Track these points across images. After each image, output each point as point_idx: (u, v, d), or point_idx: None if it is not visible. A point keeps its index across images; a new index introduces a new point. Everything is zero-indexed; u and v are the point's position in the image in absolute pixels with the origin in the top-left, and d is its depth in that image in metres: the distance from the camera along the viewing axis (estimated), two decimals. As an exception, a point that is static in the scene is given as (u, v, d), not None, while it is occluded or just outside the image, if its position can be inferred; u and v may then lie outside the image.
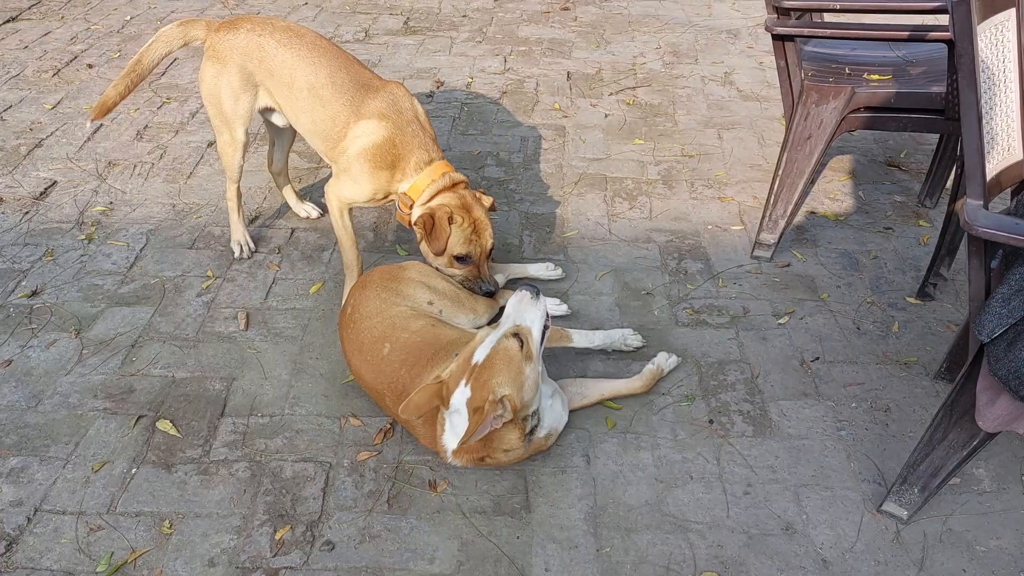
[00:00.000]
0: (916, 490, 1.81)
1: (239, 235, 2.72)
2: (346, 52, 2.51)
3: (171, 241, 2.80)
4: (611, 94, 3.89)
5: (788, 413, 2.15)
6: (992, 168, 1.67)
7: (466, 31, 4.56)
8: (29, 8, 4.70)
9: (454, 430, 1.86)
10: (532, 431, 1.91)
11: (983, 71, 1.53)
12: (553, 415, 1.97)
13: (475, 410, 1.77)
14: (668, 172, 3.26)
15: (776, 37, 2.35)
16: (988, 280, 1.54)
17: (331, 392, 2.20)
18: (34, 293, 2.53)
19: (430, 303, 2.23)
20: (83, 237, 2.81)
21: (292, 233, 2.87)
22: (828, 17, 2.93)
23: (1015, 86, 1.71)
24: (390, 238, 2.86)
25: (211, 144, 3.39)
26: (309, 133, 2.44)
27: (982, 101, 1.55)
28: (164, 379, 2.23)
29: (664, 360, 2.24)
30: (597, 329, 2.38)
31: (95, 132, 3.46)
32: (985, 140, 1.54)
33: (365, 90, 2.36)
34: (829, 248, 2.80)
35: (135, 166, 3.24)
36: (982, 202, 1.45)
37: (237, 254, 2.70)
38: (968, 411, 1.67)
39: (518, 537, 1.82)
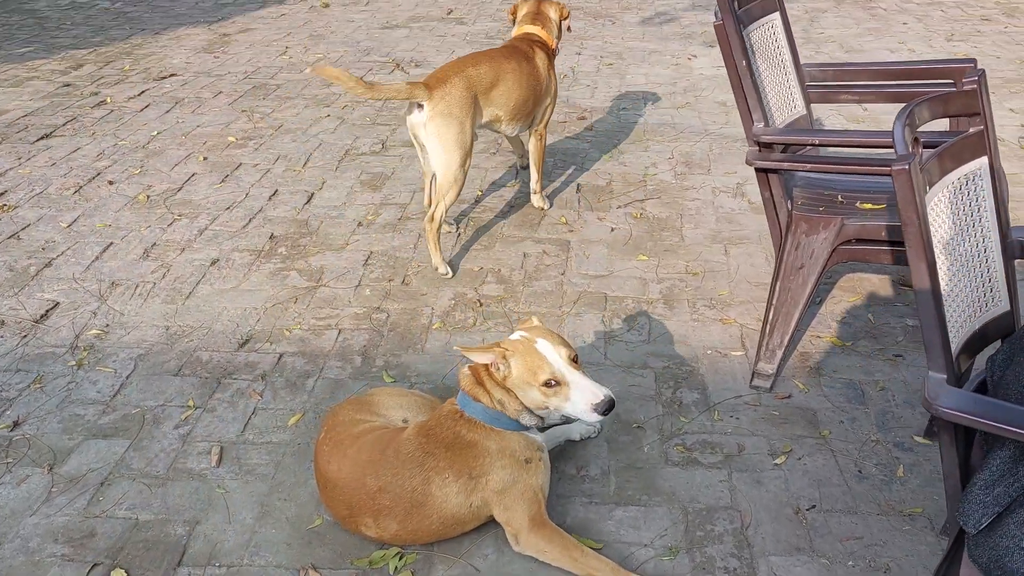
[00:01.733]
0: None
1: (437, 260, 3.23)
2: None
3: (158, 367, 2.79)
4: (619, 207, 3.86)
5: (778, 571, 1.98)
6: (975, 322, 1.56)
7: (481, 143, 4.60)
8: (64, 124, 4.91)
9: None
10: (533, 421, 2.04)
11: (949, 224, 1.43)
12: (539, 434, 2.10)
13: (496, 344, 2.02)
14: (670, 291, 3.17)
15: (759, 169, 2.28)
16: (960, 460, 1.40)
17: (294, 540, 2.11)
18: (15, 424, 2.53)
19: (404, 420, 2.19)
20: (74, 363, 2.81)
21: (280, 358, 2.84)
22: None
23: (993, 234, 1.61)
24: (379, 363, 2.81)
25: (214, 262, 3.43)
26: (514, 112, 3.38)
27: (952, 258, 1.45)
28: (127, 522, 2.17)
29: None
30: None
31: (104, 251, 3.53)
32: (954, 300, 1.43)
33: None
34: (834, 377, 2.66)
35: (137, 286, 3.28)
36: (945, 376, 1.33)
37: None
38: (958, 595, 1.50)
39: None
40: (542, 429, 2.12)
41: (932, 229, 1.36)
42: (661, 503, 2.21)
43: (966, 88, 1.55)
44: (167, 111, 5.13)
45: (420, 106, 3.12)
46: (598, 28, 6.86)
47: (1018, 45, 5.91)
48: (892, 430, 2.43)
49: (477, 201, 3.94)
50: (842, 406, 2.53)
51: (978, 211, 1.54)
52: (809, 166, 2.21)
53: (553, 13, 3.69)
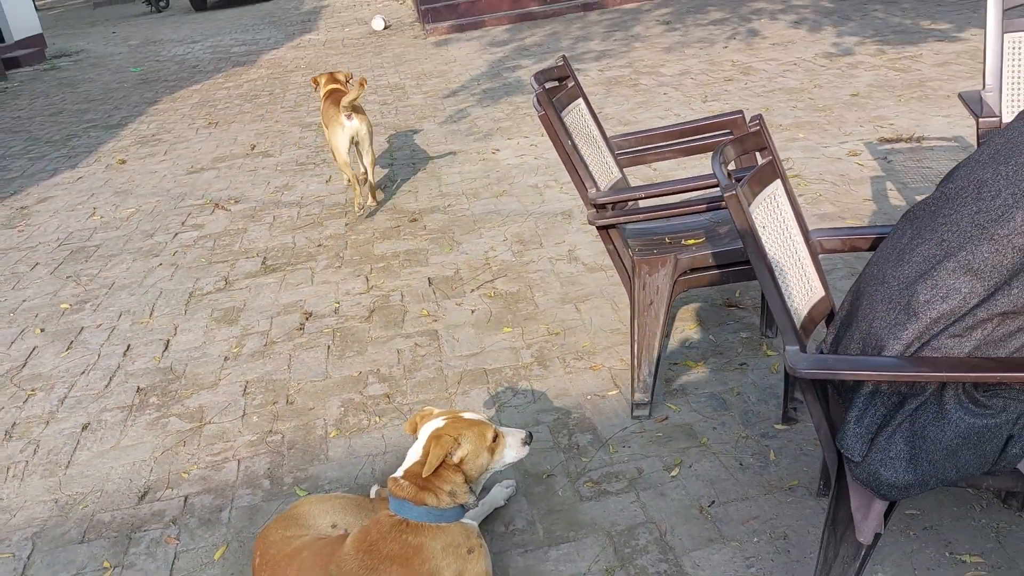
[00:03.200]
0: (829, 610, 1.93)
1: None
2: None
3: (59, 539, 2.70)
4: (472, 290, 4.15)
5: (700, 563, 2.26)
6: (803, 308, 1.95)
7: (324, 259, 4.78)
8: None
9: (408, 460, 2.17)
10: (472, 499, 2.20)
11: (769, 234, 1.82)
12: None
13: (436, 436, 2.11)
14: (540, 353, 3.48)
15: (600, 228, 2.66)
16: (825, 410, 1.76)
17: (257, 661, 2.14)
18: (-86, 635, 2.36)
19: (334, 526, 2.28)
20: (-39, 559, 2.66)
21: (185, 501, 2.83)
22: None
23: (798, 238, 2.03)
24: (287, 480, 2.87)
25: (85, 427, 3.35)
26: None
27: (778, 259, 1.84)
28: None
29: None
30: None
31: (-41, 442, 3.34)
32: (787, 290, 1.81)
33: None
34: (698, 393, 3.04)
35: (8, 468, 3.14)
36: (798, 346, 1.70)
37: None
38: (848, 526, 1.84)
39: None
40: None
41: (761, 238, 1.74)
42: (587, 534, 2.44)
43: (752, 130, 2.00)
44: (-16, 291, 4.90)
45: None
46: (403, 139, 7.29)
47: (758, 96, 6.94)
48: (755, 425, 2.82)
49: (336, 312, 4.10)
50: (710, 416, 2.90)
51: (784, 221, 1.95)
52: (640, 217, 2.61)
53: (342, 76, 5.59)
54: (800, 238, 2.02)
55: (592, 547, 2.37)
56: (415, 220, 5.26)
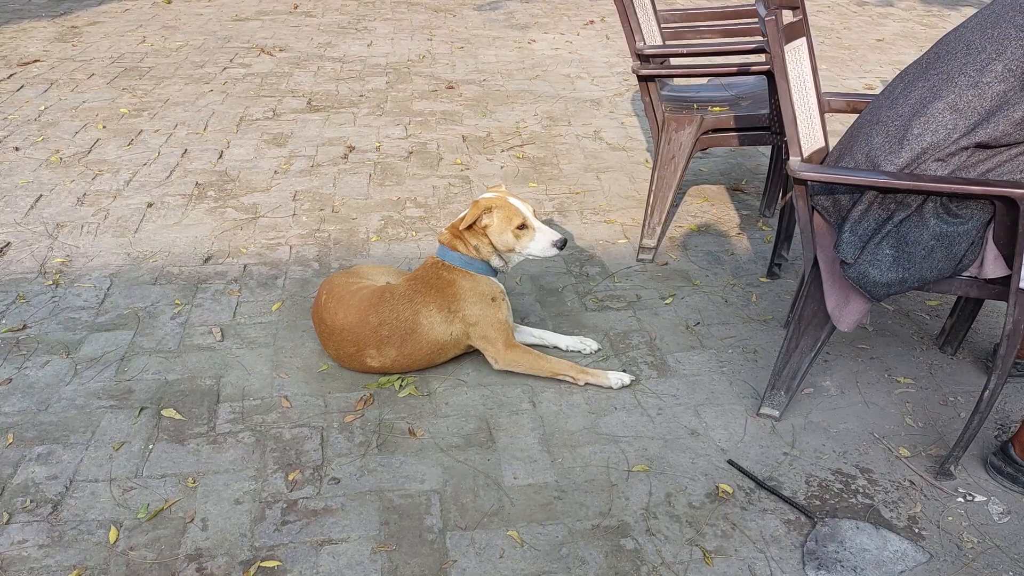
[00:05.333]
0: (782, 393, 2.39)
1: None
2: None
3: (134, 281, 3.12)
4: (503, 151, 4.52)
5: (682, 360, 2.72)
6: (806, 149, 2.35)
7: (366, 107, 5.12)
8: (-61, 102, 4.89)
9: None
10: (500, 264, 2.64)
11: (790, 79, 2.21)
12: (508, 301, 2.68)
13: (476, 202, 2.55)
14: (560, 206, 3.88)
15: (641, 78, 3.03)
16: (811, 217, 2.18)
17: (310, 379, 2.59)
18: (23, 327, 2.79)
19: (388, 283, 2.72)
20: (49, 283, 3.08)
21: (245, 268, 3.25)
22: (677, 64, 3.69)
23: (812, 92, 2.42)
24: (334, 265, 3.29)
25: (150, 205, 3.74)
26: None
27: (795, 99, 2.22)
28: (158, 381, 2.55)
29: (615, 379, 2.57)
30: (524, 319, 2.90)
31: (36, 201, 3.73)
32: (798, 122, 2.21)
33: None
34: (696, 250, 3.46)
35: (83, 226, 3.54)
36: (800, 158, 2.10)
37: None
38: (812, 320, 2.28)
39: (488, 460, 2.26)
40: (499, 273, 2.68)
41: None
42: (589, 332, 2.88)
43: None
44: (45, 91, 5.22)
45: None
46: (442, 19, 7.52)
47: (791, 30, 7.22)
48: (743, 277, 3.25)
49: (377, 149, 4.47)
50: (705, 267, 3.33)
51: (803, 73, 2.33)
52: (678, 72, 2.98)
53: None
54: (813, 93, 2.40)
55: (593, 339, 2.82)
56: (452, 88, 5.58)
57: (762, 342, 2.82)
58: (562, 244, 2.56)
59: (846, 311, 2.21)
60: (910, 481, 2.21)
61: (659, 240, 3.33)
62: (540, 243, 2.58)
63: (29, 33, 6.61)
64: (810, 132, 2.35)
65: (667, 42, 3.41)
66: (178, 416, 2.39)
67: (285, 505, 2.09)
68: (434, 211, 3.79)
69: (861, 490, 2.18)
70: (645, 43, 3.00)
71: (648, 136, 4.73)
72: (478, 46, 6.66)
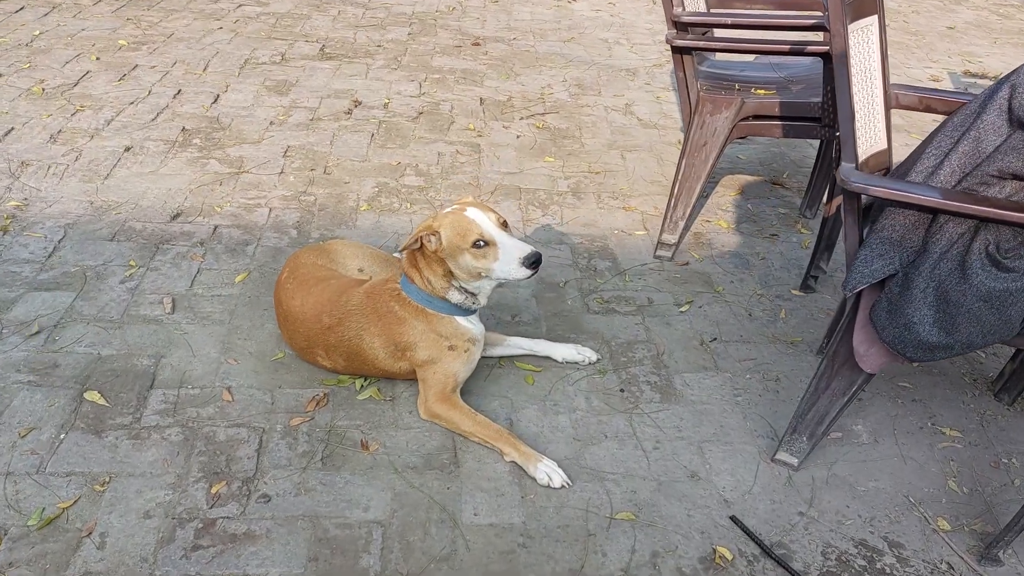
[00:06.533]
0: (804, 438, 2.02)
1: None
2: None
3: (91, 234, 2.81)
4: (522, 118, 4.13)
5: (691, 383, 2.35)
6: (863, 151, 1.95)
7: (381, 59, 4.73)
8: (-71, 18, 4.59)
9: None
10: (462, 299, 2.12)
11: (853, 64, 1.80)
12: (478, 324, 2.20)
13: (420, 226, 2.08)
14: (577, 186, 3.49)
15: (675, 50, 2.62)
16: (861, 236, 1.79)
17: (261, 369, 2.26)
18: (-53, 278, 2.50)
19: (360, 270, 2.37)
20: (-3, 229, 2.78)
21: (215, 229, 2.92)
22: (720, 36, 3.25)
23: (879, 82, 2.00)
24: (314, 235, 2.95)
25: (127, 149, 3.41)
26: None
27: (855, 91, 1.82)
28: (89, 356, 2.24)
29: (543, 474, 1.98)
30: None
31: (6, 134, 3.42)
32: (862, 123, 1.80)
33: None
34: (723, 251, 3.07)
35: (49, 167, 3.22)
36: (855, 164, 1.70)
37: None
38: (847, 361, 1.90)
39: (448, 488, 1.93)
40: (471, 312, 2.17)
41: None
42: (588, 339, 2.52)
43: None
44: (45, 14, 4.89)
45: None
46: (480, -29, 7.06)
47: (853, 10, 6.67)
48: (773, 287, 2.86)
49: (385, 107, 4.09)
50: (731, 271, 2.94)
51: (869, 59, 1.92)
52: (719, 46, 2.57)
53: None
54: (880, 83, 1.99)
55: (591, 349, 2.45)
56: (477, 45, 5.17)
57: (787, 369, 2.43)
58: (533, 261, 2.01)
59: (873, 351, 1.82)
60: (948, 564, 1.84)
61: (681, 236, 2.94)
62: (504, 261, 2.02)
63: (44, -47, 6.27)
64: (870, 131, 1.94)
65: (711, 9, 2.98)
66: (102, 401, 2.08)
67: (201, 525, 1.78)
68: (435, 181, 3.42)
69: (888, 570, 1.81)
70: (684, 8, 2.58)
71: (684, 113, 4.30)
72: (513, 1, 6.21)
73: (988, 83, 5.03)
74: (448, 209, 2.13)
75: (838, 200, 2.57)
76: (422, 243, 2.06)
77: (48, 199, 3.00)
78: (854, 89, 1.70)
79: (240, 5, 5.44)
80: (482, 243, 2.02)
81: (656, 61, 5.09)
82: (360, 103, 4.11)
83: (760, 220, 3.30)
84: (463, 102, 4.26)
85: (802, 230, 3.23)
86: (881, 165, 2.05)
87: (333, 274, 2.29)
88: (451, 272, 2.08)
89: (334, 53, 4.76)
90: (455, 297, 2.12)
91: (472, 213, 2.07)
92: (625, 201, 3.38)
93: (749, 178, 3.66)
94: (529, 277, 2.05)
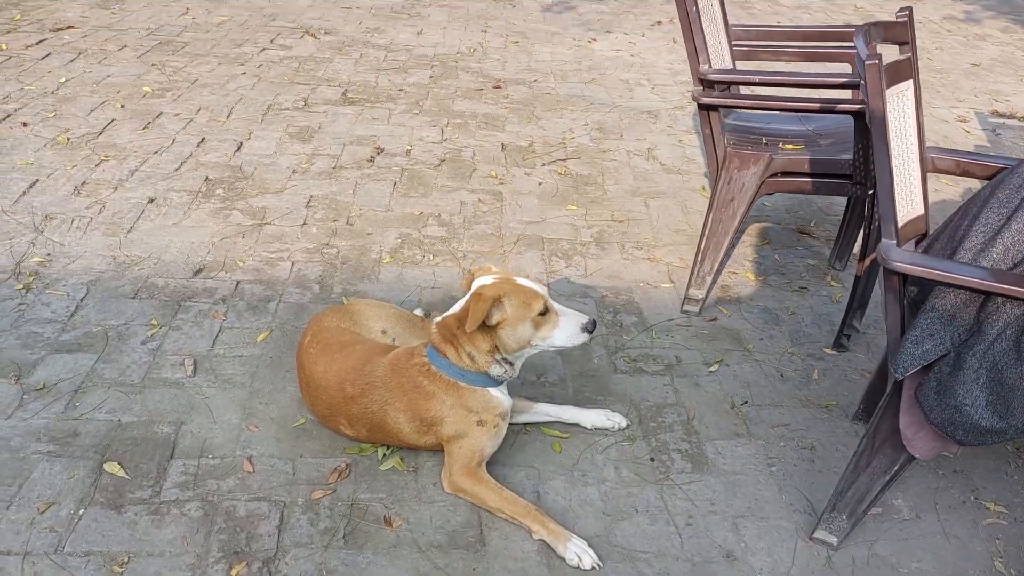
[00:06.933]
0: (844, 517, 1.95)
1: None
2: None
3: (113, 292, 2.79)
4: (543, 164, 4.10)
5: (723, 451, 2.28)
6: (900, 218, 1.89)
7: (403, 103, 4.74)
8: (-42, 66, 4.65)
9: (452, 309, 2.08)
10: (501, 372, 2.07)
11: (890, 129, 1.75)
12: (507, 396, 2.15)
13: (478, 294, 1.97)
14: (600, 235, 3.44)
15: (702, 107, 2.58)
16: (903, 313, 1.72)
17: (282, 435, 2.22)
18: (-30, 340, 2.48)
19: (384, 332, 2.32)
20: (20, 287, 2.77)
21: (237, 285, 2.90)
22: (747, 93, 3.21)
23: (915, 147, 1.95)
24: (337, 289, 2.92)
25: (151, 200, 3.42)
26: None
27: (894, 162, 1.77)
28: (110, 423, 2.21)
29: (572, 555, 1.90)
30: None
31: (31, 186, 3.43)
32: (895, 194, 1.75)
33: None
34: (751, 305, 3.00)
35: (73, 220, 3.22)
36: (895, 241, 1.65)
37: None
38: (888, 438, 1.83)
39: (474, 569, 1.87)
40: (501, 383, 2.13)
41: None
42: (616, 402, 2.46)
43: (900, 20, 1.89)
44: (71, 60, 4.95)
45: None
46: (500, 9, 7.10)
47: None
48: (804, 344, 2.79)
49: (408, 154, 4.08)
50: (760, 327, 2.88)
51: (905, 123, 1.87)
52: (747, 103, 2.53)
53: None
54: (916, 147, 1.94)
55: (621, 413, 2.39)
56: (499, 88, 5.17)
57: (822, 435, 2.36)
58: (592, 327, 2.07)
59: (921, 435, 1.75)
60: (999, 655, 1.75)
61: (708, 291, 2.88)
62: (567, 330, 2.05)
63: (71, -3, 6.37)
64: (907, 198, 1.89)
65: (737, 63, 2.95)
66: (121, 473, 2.04)
67: (220, 610, 1.73)
68: (457, 231, 3.39)
69: (935, 662, 1.73)
70: (711, 66, 2.54)
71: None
72: (534, 41, 6.23)
73: (1017, 124, 4.96)
74: (487, 278, 2.08)
75: (871, 259, 2.51)
76: (484, 320, 1.97)
77: (71, 254, 3.00)
78: (894, 162, 1.65)
79: (264, 49, 5.48)
80: (544, 311, 2.03)
81: (678, 103, 5.06)
82: (382, 150, 4.10)
83: (788, 272, 3.23)
84: (485, 148, 4.24)
85: (832, 283, 3.16)
86: (917, 231, 1.99)
87: (357, 339, 2.24)
88: (496, 345, 2.04)
89: (356, 97, 4.77)
90: (496, 370, 2.07)
91: (526, 282, 2.07)
92: (650, 251, 3.33)
93: (775, 226, 3.60)
94: (587, 340, 2.08)
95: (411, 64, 5.43)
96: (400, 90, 4.97)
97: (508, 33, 6.39)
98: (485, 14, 6.87)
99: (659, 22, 6.94)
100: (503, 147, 4.27)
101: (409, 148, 4.16)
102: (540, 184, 3.88)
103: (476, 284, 2.08)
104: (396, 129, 4.38)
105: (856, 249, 3.20)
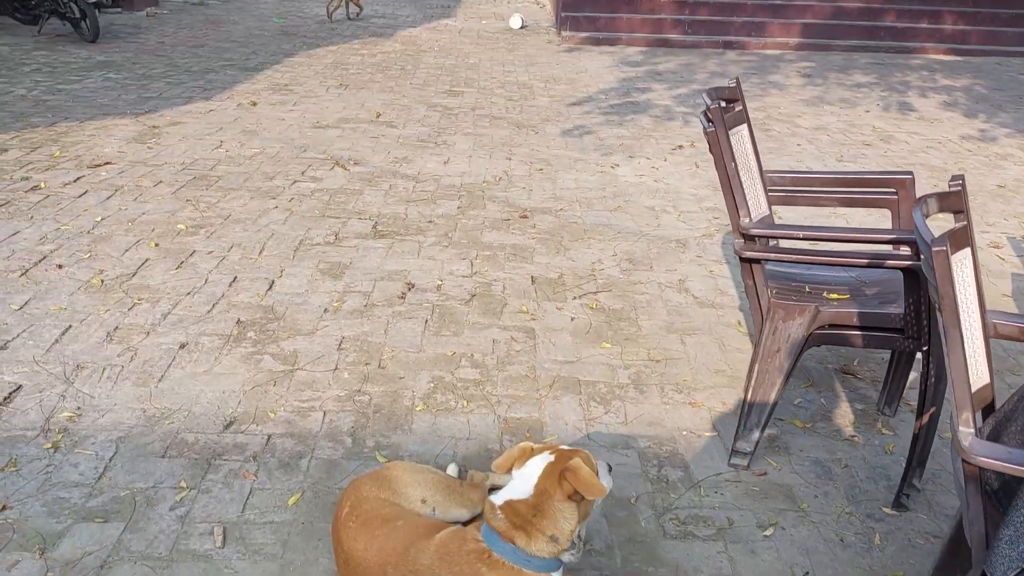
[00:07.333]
0: None
1: None
2: None
3: (142, 449, 2.72)
4: (575, 298, 4.07)
5: (787, 632, 2.12)
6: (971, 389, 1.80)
7: (433, 236, 4.77)
8: (-2, 206, 4.76)
9: (509, 491, 2.01)
10: (574, 551, 2.02)
11: (962, 319, 1.69)
12: None
13: (574, 470, 1.93)
14: (638, 376, 3.36)
15: (744, 260, 2.55)
16: (985, 505, 1.61)
17: (316, 617, 2.09)
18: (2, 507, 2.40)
19: (423, 501, 2.21)
20: (48, 446, 2.71)
21: (268, 439, 2.82)
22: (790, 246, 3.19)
23: (976, 315, 1.88)
24: (369, 443, 2.84)
25: (182, 346, 3.39)
26: None
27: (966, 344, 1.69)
28: (135, 605, 2.09)
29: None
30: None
31: (63, 333, 3.42)
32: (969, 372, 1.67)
33: None
34: (801, 456, 2.88)
35: (104, 369, 3.19)
36: (974, 430, 1.55)
37: None
38: (975, 634, 1.68)
39: None
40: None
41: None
42: (668, 574, 2.32)
43: (953, 190, 1.86)
44: (107, 198, 5.05)
45: None
46: (524, 136, 7.26)
47: (896, 166, 6.66)
48: (862, 503, 2.65)
49: (438, 289, 4.06)
50: (813, 482, 2.75)
51: (966, 292, 1.81)
52: (792, 257, 2.49)
53: None
54: (978, 314, 1.87)
55: (671, 587, 2.25)
56: (525, 217, 5.20)
57: (891, 612, 2.20)
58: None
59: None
60: None
61: (757, 444, 2.77)
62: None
63: (110, 131, 6.59)
64: (973, 368, 1.80)
65: (772, 206, 2.93)
66: (146, 666, 1.92)
67: None
68: (491, 373, 3.32)
69: None
70: (751, 218, 2.52)
71: (740, 290, 4.21)
72: (558, 168, 6.32)
73: (1052, 249, 4.90)
74: (546, 456, 2.04)
75: (928, 416, 2.41)
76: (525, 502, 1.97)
77: (101, 407, 2.94)
78: (966, 344, 1.58)
79: (295, 182, 5.59)
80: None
81: (705, 231, 5.06)
82: (413, 285, 4.09)
83: (836, 418, 3.12)
84: (515, 281, 4.22)
85: (883, 431, 3.04)
86: (984, 401, 1.90)
87: (399, 512, 2.14)
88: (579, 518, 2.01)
89: (386, 230, 4.81)
90: (573, 550, 2.02)
91: (583, 459, 2.04)
92: (690, 395, 3.24)
93: (817, 366, 3.50)
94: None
95: (439, 194, 5.51)
96: (429, 221, 5.01)
97: (532, 160, 6.50)
98: (509, 141, 7.02)
99: (680, 146, 7.05)
100: (533, 280, 4.25)
101: (439, 283, 4.14)
102: (572, 320, 3.84)
103: (536, 464, 2.01)
104: (426, 263, 4.39)
105: (906, 394, 3.09)
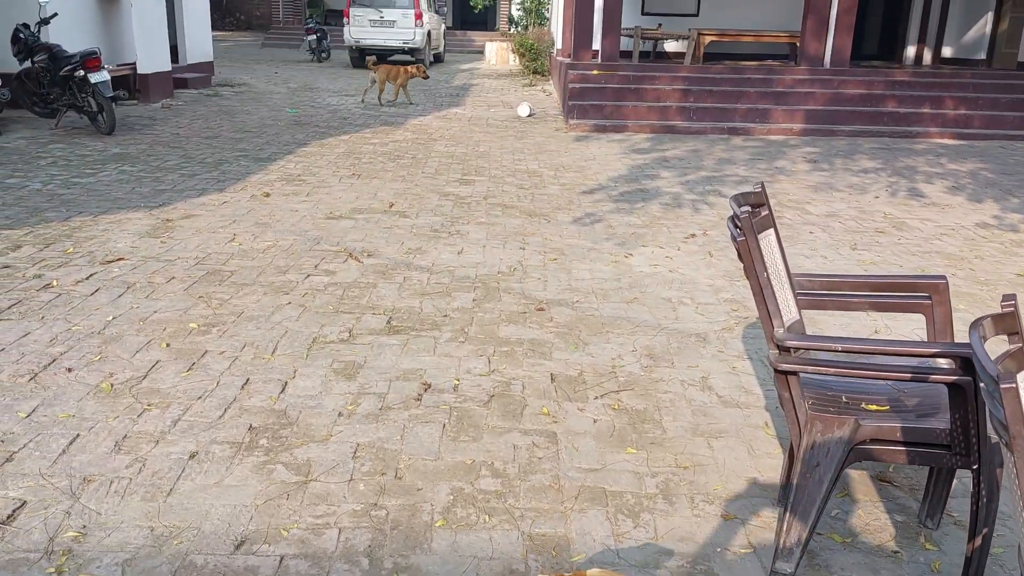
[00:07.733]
0: None
1: None
2: None
3: (149, 573, 2.58)
4: (596, 398, 3.96)
5: None
6: None
7: (448, 331, 4.69)
8: (8, 308, 4.72)
9: None
10: None
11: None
12: None
13: None
14: (666, 485, 3.23)
15: (779, 371, 2.45)
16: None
17: None
18: (-9, 644, 2.26)
19: None
20: (52, 570, 2.57)
21: (281, 561, 2.68)
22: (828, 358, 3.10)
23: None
24: (387, 565, 2.69)
25: (192, 456, 3.28)
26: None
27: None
28: None
29: None
30: None
31: (71, 443, 3.32)
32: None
33: None
34: (843, 575, 2.72)
35: (112, 482, 3.07)
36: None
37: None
38: None
39: None
40: None
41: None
42: None
43: (1007, 311, 1.79)
44: (119, 296, 5.02)
45: None
46: (536, 225, 7.26)
47: (913, 255, 6.63)
48: (912, 627, 2.48)
49: (455, 389, 3.96)
50: (858, 603, 2.59)
51: None
52: (831, 370, 2.39)
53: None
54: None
55: None
56: (542, 310, 5.14)
57: None
58: None
59: None
60: None
61: (798, 565, 2.61)
62: None
63: (123, 225, 6.62)
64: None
65: (803, 312, 2.85)
66: None
67: None
68: (513, 484, 3.19)
69: None
70: (785, 328, 2.44)
71: (766, 388, 4.10)
72: (572, 258, 6.30)
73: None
74: None
75: (980, 538, 2.27)
76: None
77: (107, 525, 2.82)
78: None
79: (308, 276, 5.55)
80: None
81: (724, 324, 4.98)
82: (430, 386, 3.99)
83: (876, 531, 2.97)
84: (534, 380, 4.12)
85: (927, 546, 2.88)
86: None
87: None
88: None
89: (401, 326, 4.74)
90: None
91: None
92: (722, 507, 3.09)
93: (852, 473, 3.36)
94: None
95: (454, 286, 5.46)
96: (444, 315, 4.94)
97: (546, 250, 6.49)
98: (522, 230, 7.03)
99: (693, 235, 7.04)
100: (552, 378, 4.15)
101: (456, 383, 4.05)
102: (595, 422, 3.72)
103: None
104: (442, 360, 4.30)
105: (949, 506, 2.95)
